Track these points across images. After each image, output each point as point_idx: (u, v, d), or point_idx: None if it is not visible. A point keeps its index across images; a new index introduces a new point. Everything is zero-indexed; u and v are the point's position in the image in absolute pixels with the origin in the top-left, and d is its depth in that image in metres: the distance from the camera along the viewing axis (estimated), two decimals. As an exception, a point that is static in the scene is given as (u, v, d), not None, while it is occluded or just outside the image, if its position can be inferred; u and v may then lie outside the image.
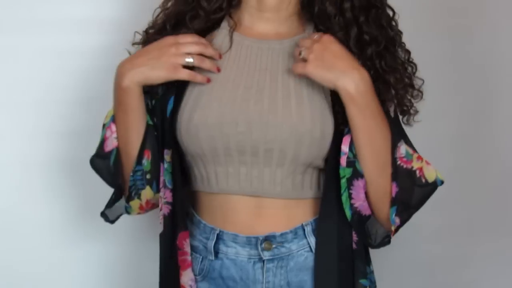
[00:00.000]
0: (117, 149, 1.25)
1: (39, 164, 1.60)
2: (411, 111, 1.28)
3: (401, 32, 1.27)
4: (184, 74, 1.20)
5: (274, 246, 1.21)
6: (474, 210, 1.87)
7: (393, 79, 1.22)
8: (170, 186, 1.23)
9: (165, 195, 1.23)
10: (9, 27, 1.55)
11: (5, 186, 1.60)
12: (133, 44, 1.30)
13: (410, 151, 1.23)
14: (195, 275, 1.23)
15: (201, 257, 1.24)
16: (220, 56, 1.24)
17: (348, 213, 1.20)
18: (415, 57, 1.29)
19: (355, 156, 1.19)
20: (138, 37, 1.30)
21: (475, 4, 1.78)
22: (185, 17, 1.24)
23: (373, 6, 1.22)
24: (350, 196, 1.19)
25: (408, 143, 1.24)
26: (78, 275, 1.67)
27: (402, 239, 1.79)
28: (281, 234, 1.22)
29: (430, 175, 1.22)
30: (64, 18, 1.57)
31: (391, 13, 1.25)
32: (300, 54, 1.18)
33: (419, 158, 1.23)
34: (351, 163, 1.19)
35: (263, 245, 1.21)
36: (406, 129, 1.29)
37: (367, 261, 1.28)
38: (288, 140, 1.17)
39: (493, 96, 1.83)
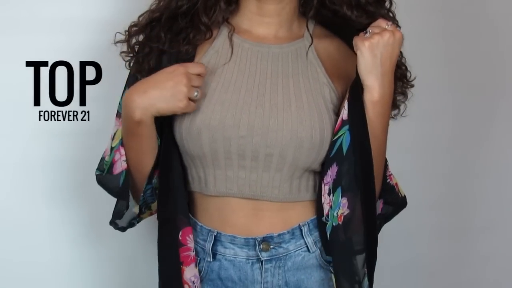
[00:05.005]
0: (127, 171, 1.22)
1: (38, 165, 1.60)
2: (400, 107, 1.32)
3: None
4: (191, 109, 1.16)
5: (271, 246, 1.22)
6: (474, 210, 1.88)
7: None
8: None
9: None
10: (9, 27, 1.55)
11: (4, 186, 1.60)
12: (115, 43, 1.26)
13: (389, 167, 1.29)
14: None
15: (198, 259, 1.24)
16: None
17: None
18: (412, 57, 1.30)
19: None
20: (120, 37, 1.26)
21: (473, 4, 1.79)
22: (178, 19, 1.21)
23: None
24: None
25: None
26: (77, 276, 1.67)
27: (402, 239, 1.80)
28: (279, 235, 1.22)
29: (401, 190, 1.31)
30: (64, 18, 1.57)
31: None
32: (366, 33, 1.17)
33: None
34: None
35: (261, 246, 1.21)
36: (400, 126, 1.33)
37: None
38: (288, 145, 1.18)
39: (492, 96, 1.84)
